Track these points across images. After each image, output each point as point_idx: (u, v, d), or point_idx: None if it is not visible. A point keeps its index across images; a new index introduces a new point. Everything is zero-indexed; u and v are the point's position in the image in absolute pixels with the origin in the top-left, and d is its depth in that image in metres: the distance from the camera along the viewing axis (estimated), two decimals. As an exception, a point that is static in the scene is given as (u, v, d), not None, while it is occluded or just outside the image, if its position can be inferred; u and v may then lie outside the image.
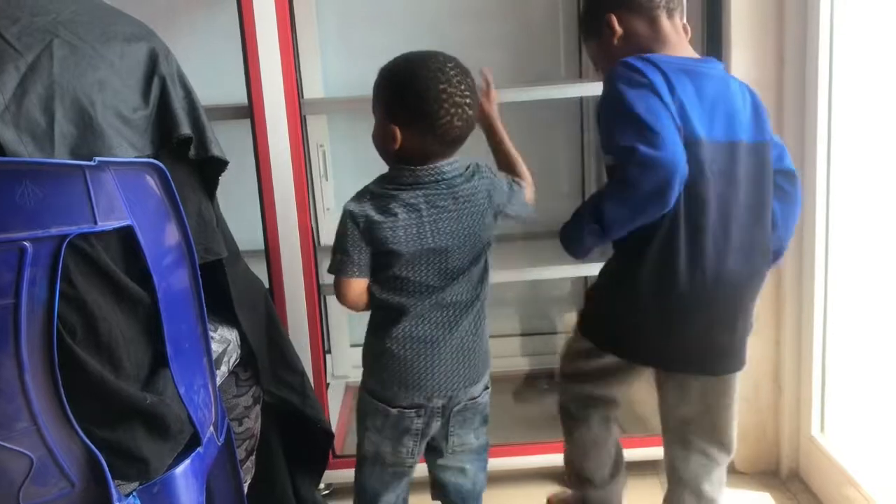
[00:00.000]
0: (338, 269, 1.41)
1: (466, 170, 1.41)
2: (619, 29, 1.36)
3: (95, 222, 1.00)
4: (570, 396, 1.57)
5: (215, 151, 1.20)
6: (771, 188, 1.35)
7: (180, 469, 1.17)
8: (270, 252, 1.83)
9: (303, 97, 1.79)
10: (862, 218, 1.74)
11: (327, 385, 1.92)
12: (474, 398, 1.46)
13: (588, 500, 1.63)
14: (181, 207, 1.11)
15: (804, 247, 1.80)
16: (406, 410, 1.42)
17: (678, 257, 1.28)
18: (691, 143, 1.25)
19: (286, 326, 1.77)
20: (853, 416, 1.82)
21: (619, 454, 1.61)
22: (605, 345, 1.45)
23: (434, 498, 1.57)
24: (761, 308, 1.86)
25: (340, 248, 1.40)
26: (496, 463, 1.83)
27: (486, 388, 1.49)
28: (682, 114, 1.25)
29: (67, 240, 0.98)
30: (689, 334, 1.34)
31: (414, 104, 1.33)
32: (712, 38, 1.83)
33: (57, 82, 1.01)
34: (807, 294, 1.81)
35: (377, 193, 1.39)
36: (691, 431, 1.44)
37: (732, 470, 1.97)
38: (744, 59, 1.77)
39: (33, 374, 0.99)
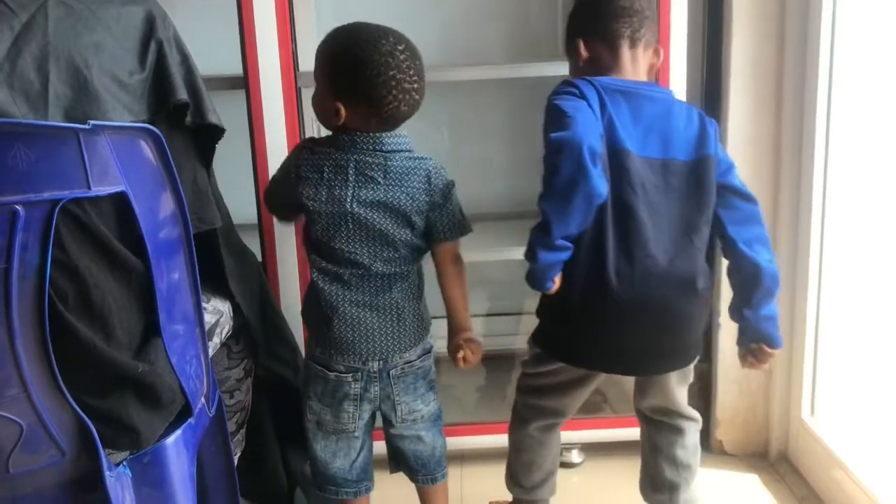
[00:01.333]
0: (267, 204, 1.55)
1: (413, 152, 1.40)
2: (584, 53, 1.42)
3: (89, 187, 0.99)
4: (520, 397, 1.59)
5: (212, 118, 1.19)
6: (710, 201, 1.37)
7: (171, 439, 1.16)
8: (263, 226, 1.81)
9: (298, 69, 1.76)
10: (858, 204, 1.73)
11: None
12: (410, 362, 1.45)
13: (514, 498, 1.64)
14: (176, 175, 1.09)
15: (799, 231, 1.79)
16: (343, 375, 1.43)
17: (606, 264, 1.32)
18: (618, 153, 1.32)
19: (278, 301, 1.76)
20: (843, 400, 1.83)
21: (552, 465, 1.61)
22: (544, 347, 1.48)
23: (393, 471, 1.57)
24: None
25: (273, 184, 1.51)
26: (488, 440, 1.84)
27: (427, 352, 1.49)
28: (610, 126, 1.32)
29: (60, 204, 0.97)
30: (624, 338, 1.38)
31: (363, 88, 1.32)
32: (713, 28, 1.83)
33: (52, 43, 0.99)
34: (800, 279, 1.81)
35: (314, 150, 1.40)
36: (658, 413, 1.53)
37: (721, 451, 1.99)
38: (744, 44, 1.77)
39: (24, 341, 0.98)
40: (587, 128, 1.25)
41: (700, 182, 1.37)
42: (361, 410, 1.46)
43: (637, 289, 1.33)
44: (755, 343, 1.41)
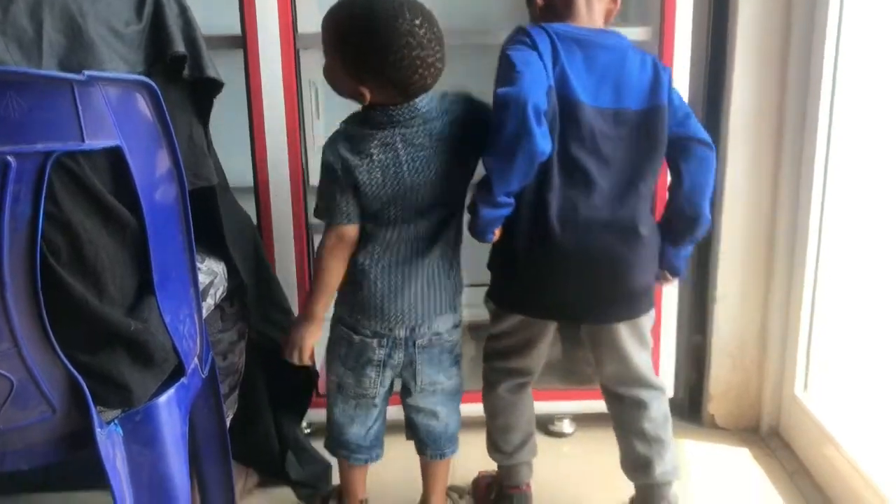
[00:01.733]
0: (328, 216, 1.38)
1: (439, 103, 1.38)
2: (540, 0, 1.43)
3: (83, 140, 0.97)
4: (486, 363, 1.60)
5: (210, 72, 1.16)
6: (660, 149, 1.37)
7: (163, 398, 1.15)
8: (259, 189, 1.79)
9: (297, 31, 1.73)
10: (859, 182, 1.72)
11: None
12: (439, 333, 1.45)
13: (499, 468, 1.65)
14: (172, 130, 1.07)
15: (799, 209, 1.78)
16: (368, 339, 1.42)
17: (549, 214, 1.33)
18: (569, 104, 1.32)
19: (273, 264, 1.74)
20: (836, 377, 1.83)
21: (528, 426, 1.61)
22: (495, 300, 1.49)
23: (408, 437, 1.57)
24: (751, 267, 1.88)
25: (328, 194, 1.36)
26: (479, 409, 1.83)
27: (456, 326, 1.48)
28: (563, 76, 1.32)
29: (53, 157, 0.95)
30: (568, 286, 1.39)
31: (388, 73, 1.28)
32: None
33: None
34: (798, 255, 1.80)
35: (352, 134, 1.35)
36: (618, 384, 1.52)
37: (713, 425, 1.99)
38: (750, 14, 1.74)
39: (15, 294, 0.97)
40: (534, 84, 1.25)
41: (650, 131, 1.36)
42: (383, 377, 1.46)
43: (580, 237, 1.35)
44: (662, 270, 1.48)
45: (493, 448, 1.62)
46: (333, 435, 1.53)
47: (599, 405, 1.80)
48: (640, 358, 1.49)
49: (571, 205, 1.34)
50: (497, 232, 1.37)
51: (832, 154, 1.71)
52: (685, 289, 1.92)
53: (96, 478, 1.10)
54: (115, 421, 1.10)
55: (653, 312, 1.49)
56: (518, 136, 1.23)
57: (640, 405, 1.50)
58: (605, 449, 1.63)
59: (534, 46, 1.32)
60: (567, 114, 1.33)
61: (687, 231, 1.43)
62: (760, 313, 1.92)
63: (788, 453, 1.87)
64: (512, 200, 1.32)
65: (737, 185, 1.84)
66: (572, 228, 1.34)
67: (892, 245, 1.71)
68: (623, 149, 1.36)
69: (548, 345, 1.55)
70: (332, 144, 1.35)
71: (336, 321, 1.47)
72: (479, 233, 1.38)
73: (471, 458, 1.76)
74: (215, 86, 1.22)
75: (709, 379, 1.98)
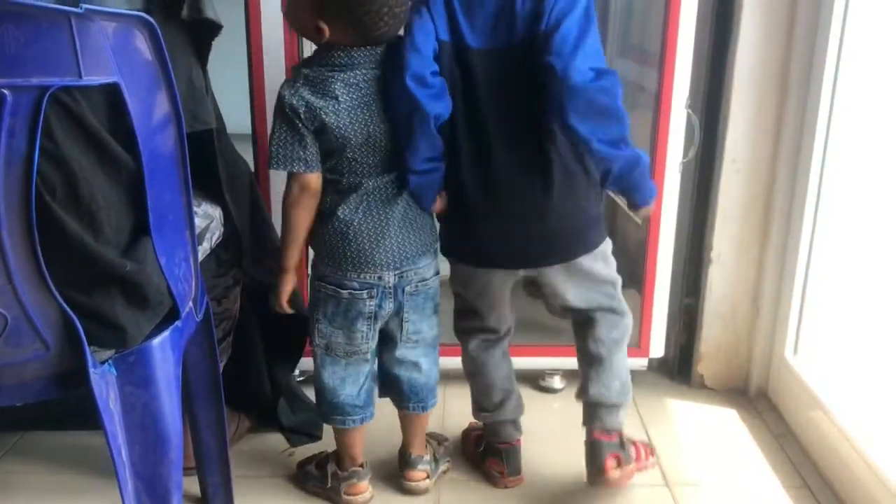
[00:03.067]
0: (289, 164, 1.34)
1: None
2: None
3: (80, 76, 0.95)
4: (455, 323, 1.61)
5: (209, 14, 1.14)
6: (543, 85, 1.30)
7: (157, 340, 1.15)
8: (258, 135, 1.77)
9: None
10: (860, 147, 1.71)
11: (307, 275, 1.90)
12: (425, 280, 1.45)
13: (485, 425, 1.66)
14: (171, 70, 1.05)
15: (799, 170, 1.78)
16: (357, 292, 1.42)
17: (461, 168, 1.38)
18: (463, 51, 1.34)
19: (269, 212, 1.73)
20: (826, 342, 1.84)
21: (507, 384, 1.61)
22: (442, 248, 1.51)
23: (383, 394, 1.57)
24: (747, 229, 1.88)
25: (288, 142, 1.33)
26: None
27: (437, 273, 1.49)
28: (453, 23, 1.33)
29: (50, 92, 0.93)
30: (495, 235, 1.42)
31: (353, 16, 1.27)
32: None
33: None
34: (795, 218, 1.80)
35: (313, 77, 1.33)
36: (569, 312, 1.53)
37: (702, 385, 2.01)
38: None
39: (10, 230, 0.96)
40: (413, 51, 1.30)
41: (531, 66, 1.32)
42: (374, 330, 1.46)
43: (487, 190, 1.37)
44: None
45: (476, 406, 1.63)
46: (326, 400, 1.51)
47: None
48: (582, 293, 1.48)
49: (476, 159, 1.36)
50: (439, 199, 1.42)
51: (835, 116, 1.70)
52: (679, 250, 1.92)
53: (90, 418, 1.11)
54: (109, 361, 1.10)
55: (599, 251, 1.46)
56: (407, 105, 1.29)
57: (589, 323, 1.51)
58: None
59: (424, 1, 1.33)
60: (462, 61, 1.33)
61: (605, 177, 1.37)
62: (754, 276, 1.92)
63: (775, 415, 1.89)
64: (436, 165, 1.36)
65: (737, 144, 1.83)
66: (481, 184, 1.37)
67: (891, 211, 1.71)
68: (517, 89, 1.34)
69: (505, 302, 1.54)
70: (291, 87, 1.32)
71: (317, 281, 1.45)
72: (420, 201, 1.41)
73: (459, 411, 1.78)
74: (214, 28, 1.20)
75: (699, 340, 1.99)
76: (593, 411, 1.51)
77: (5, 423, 1.69)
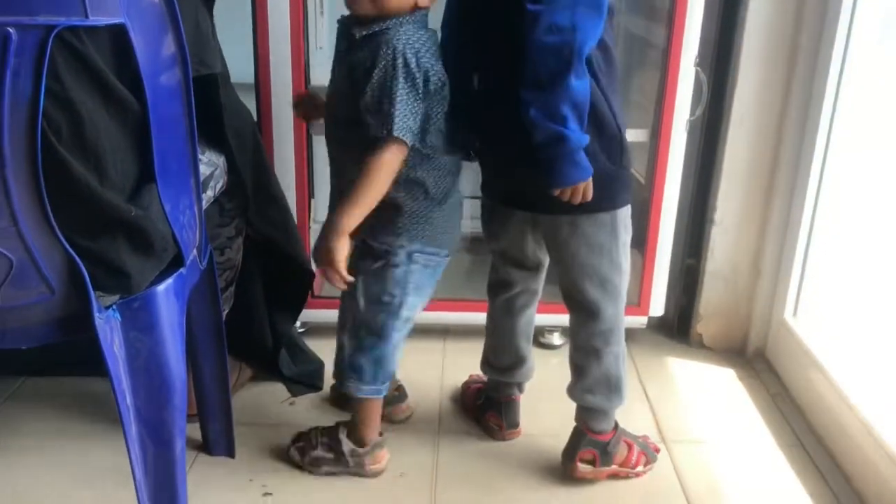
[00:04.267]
0: (404, 131, 1.24)
1: None
2: None
3: (86, 16, 0.94)
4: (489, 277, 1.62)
5: None
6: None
7: (162, 287, 1.15)
8: (261, 86, 1.76)
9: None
10: (869, 113, 1.70)
11: (310, 229, 1.90)
12: None
13: (488, 380, 1.67)
14: (178, 12, 1.04)
15: (806, 133, 1.77)
16: (447, 258, 1.44)
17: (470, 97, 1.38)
18: None
19: (272, 165, 1.73)
20: (827, 305, 1.85)
21: (521, 351, 1.60)
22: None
23: None
24: (751, 191, 1.87)
25: (410, 107, 1.24)
26: (471, 317, 1.85)
27: None
28: None
29: (56, 31, 0.92)
30: (490, 175, 1.47)
31: None
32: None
33: None
34: (801, 180, 1.79)
35: (422, 39, 1.27)
36: (561, 288, 1.48)
37: (700, 345, 2.02)
38: None
39: (15, 171, 0.96)
40: None
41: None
42: None
43: (482, 140, 1.42)
44: None
45: (486, 361, 1.64)
46: (384, 370, 1.45)
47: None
48: (568, 269, 1.42)
49: (477, 112, 1.37)
50: None
51: (846, 78, 1.69)
52: (682, 210, 1.92)
53: (92, 364, 1.11)
54: (114, 306, 1.10)
55: (599, 220, 1.36)
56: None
57: (574, 321, 1.48)
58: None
59: None
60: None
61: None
62: (757, 238, 1.92)
63: (772, 376, 1.90)
64: None
65: (745, 104, 1.81)
66: (482, 135, 1.40)
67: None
68: (489, 31, 1.33)
69: (525, 255, 1.51)
70: (410, 49, 1.24)
71: (407, 258, 1.38)
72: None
73: (461, 364, 1.79)
74: None
75: (700, 300, 2.00)
76: (580, 408, 1.51)
77: (8, 367, 1.69)
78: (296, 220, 1.73)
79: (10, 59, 0.91)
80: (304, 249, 1.71)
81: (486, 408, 1.66)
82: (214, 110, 1.35)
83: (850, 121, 1.71)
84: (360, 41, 1.27)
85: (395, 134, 1.23)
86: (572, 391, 1.50)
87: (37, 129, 0.94)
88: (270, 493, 1.46)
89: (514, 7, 1.21)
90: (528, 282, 1.56)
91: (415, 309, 1.44)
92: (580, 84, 1.21)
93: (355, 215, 1.28)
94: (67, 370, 1.74)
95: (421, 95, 1.25)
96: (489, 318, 1.62)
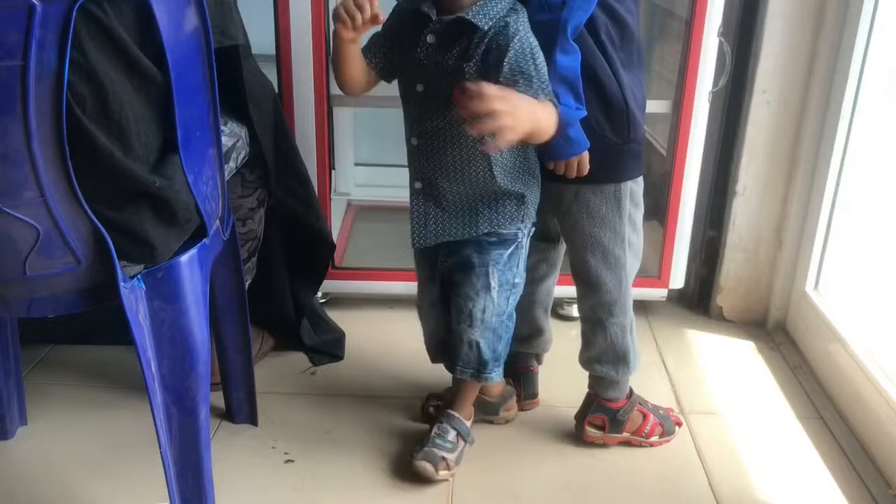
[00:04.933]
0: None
1: None
2: None
3: (109, -14, 0.94)
4: None
5: None
6: None
7: (185, 257, 1.17)
8: (281, 57, 1.76)
9: None
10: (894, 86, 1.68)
11: (330, 200, 1.91)
12: None
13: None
14: (199, -18, 1.04)
15: (830, 104, 1.75)
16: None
17: None
18: None
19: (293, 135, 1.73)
20: (849, 278, 1.84)
21: (539, 322, 1.61)
22: None
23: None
24: (774, 163, 1.86)
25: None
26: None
27: None
28: None
29: (79, 3, 0.93)
30: None
31: None
32: None
33: None
34: (824, 153, 1.78)
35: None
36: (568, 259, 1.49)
37: (720, 317, 2.02)
38: None
39: (41, 143, 0.97)
40: None
41: None
42: None
43: None
44: None
45: None
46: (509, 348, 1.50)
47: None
48: (576, 249, 1.44)
49: None
50: None
51: (871, 50, 1.66)
52: (704, 182, 1.91)
53: (116, 333, 1.13)
54: (139, 276, 1.12)
55: (608, 192, 1.37)
56: None
57: (578, 292, 1.50)
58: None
59: None
60: None
61: None
62: (779, 210, 1.91)
63: (792, 349, 1.90)
64: None
65: (769, 75, 1.79)
66: None
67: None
68: None
69: (541, 220, 1.47)
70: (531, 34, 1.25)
71: (526, 238, 1.42)
72: None
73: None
74: None
75: (720, 272, 1.99)
76: (590, 376, 1.53)
77: (35, 335, 1.72)
78: (316, 191, 1.73)
79: (34, 31, 0.91)
80: (325, 220, 1.72)
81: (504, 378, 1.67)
82: (236, 81, 1.35)
83: (876, 92, 1.69)
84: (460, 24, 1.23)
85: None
86: (581, 359, 1.53)
87: (62, 101, 0.95)
88: (292, 460, 1.48)
89: None
90: (548, 252, 1.56)
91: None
92: (567, 59, 1.23)
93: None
94: (91, 339, 1.77)
95: None
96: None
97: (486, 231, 1.37)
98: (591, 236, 1.41)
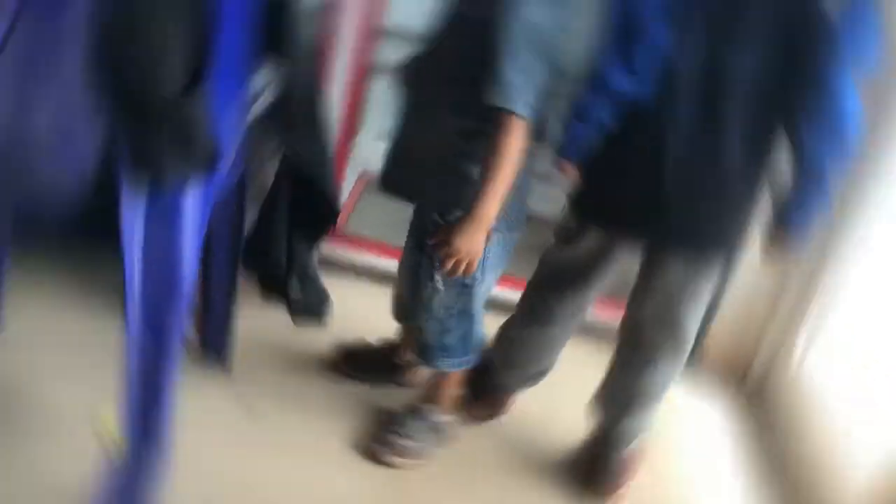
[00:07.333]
0: None
1: None
2: None
3: None
4: None
5: None
6: None
7: (190, 190, 1.15)
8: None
9: None
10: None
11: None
12: None
13: None
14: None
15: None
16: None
17: None
18: None
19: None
20: (839, 357, 1.80)
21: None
22: None
23: None
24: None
25: None
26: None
27: None
28: None
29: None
30: None
31: None
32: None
33: None
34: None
35: None
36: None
37: (703, 366, 2.00)
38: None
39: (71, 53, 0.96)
40: None
41: None
42: None
43: None
44: None
45: None
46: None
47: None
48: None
49: None
50: None
51: None
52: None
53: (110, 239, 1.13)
54: (142, 198, 1.11)
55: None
56: None
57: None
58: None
59: None
60: None
61: None
62: (780, 276, 1.89)
63: (765, 408, 1.89)
64: None
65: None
66: None
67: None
68: None
69: None
70: None
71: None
72: None
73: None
74: None
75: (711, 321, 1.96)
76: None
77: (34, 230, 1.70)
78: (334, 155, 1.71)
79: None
80: (336, 187, 1.70)
81: None
82: (276, 26, 1.33)
83: None
84: None
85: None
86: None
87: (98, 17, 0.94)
88: (258, 415, 1.48)
89: None
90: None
91: (492, 285, 1.48)
92: None
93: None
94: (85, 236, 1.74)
95: None
96: None
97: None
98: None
